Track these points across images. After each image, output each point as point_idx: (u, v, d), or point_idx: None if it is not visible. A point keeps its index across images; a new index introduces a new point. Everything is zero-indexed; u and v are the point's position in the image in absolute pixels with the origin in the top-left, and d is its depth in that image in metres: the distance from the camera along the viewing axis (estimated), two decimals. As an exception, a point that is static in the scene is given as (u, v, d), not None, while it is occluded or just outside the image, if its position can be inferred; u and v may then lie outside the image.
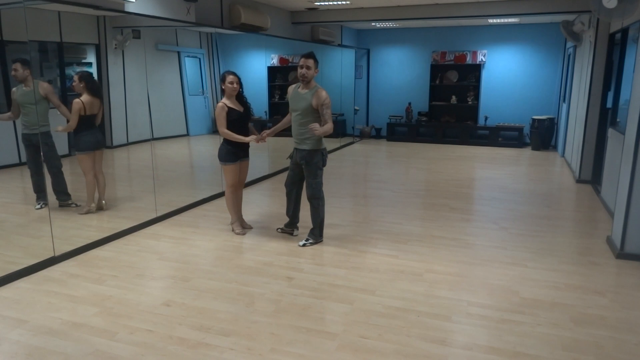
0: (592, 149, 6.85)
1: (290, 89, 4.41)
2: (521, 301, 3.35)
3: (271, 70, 10.05)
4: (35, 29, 5.10)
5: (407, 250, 4.31)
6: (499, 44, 10.58)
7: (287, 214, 4.67)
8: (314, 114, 4.19)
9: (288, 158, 4.53)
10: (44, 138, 4.97)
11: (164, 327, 2.99)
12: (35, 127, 4.92)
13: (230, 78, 4.43)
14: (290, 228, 4.71)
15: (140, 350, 2.74)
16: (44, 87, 5.01)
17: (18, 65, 4.84)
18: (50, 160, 5.10)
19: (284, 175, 7.40)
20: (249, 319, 3.09)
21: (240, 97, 4.55)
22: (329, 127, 4.15)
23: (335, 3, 8.09)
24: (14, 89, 4.95)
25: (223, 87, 4.45)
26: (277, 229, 4.81)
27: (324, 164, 4.35)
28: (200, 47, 8.15)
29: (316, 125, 4.09)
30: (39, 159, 4.98)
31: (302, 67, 4.18)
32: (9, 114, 4.95)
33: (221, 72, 4.60)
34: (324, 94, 4.17)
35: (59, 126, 5.03)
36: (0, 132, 5.61)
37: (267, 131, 4.59)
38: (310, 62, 4.17)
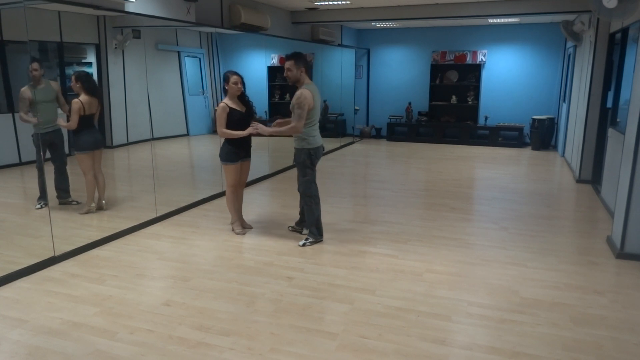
0: (592, 149, 6.85)
1: None
2: (521, 301, 3.35)
3: (271, 70, 10.05)
4: (35, 28, 5.10)
5: (407, 250, 4.31)
6: (499, 44, 10.58)
7: (300, 212, 4.74)
8: None
9: None
10: (57, 135, 5.09)
11: (164, 327, 2.99)
12: (49, 124, 5.00)
13: (234, 78, 4.43)
14: (300, 226, 4.74)
15: (140, 350, 2.74)
16: (56, 86, 5.10)
17: (37, 65, 4.91)
18: (61, 158, 5.22)
19: (284, 175, 7.46)
20: (249, 319, 3.09)
21: (242, 97, 4.55)
22: (290, 127, 4.19)
23: (335, 3, 8.08)
24: (23, 88, 4.93)
25: (227, 88, 4.45)
26: (288, 227, 4.83)
27: (312, 163, 4.37)
28: (200, 47, 8.15)
29: (260, 125, 4.31)
30: (47, 158, 5.07)
31: (285, 71, 4.23)
32: (30, 117, 4.98)
33: (221, 72, 4.59)
34: (298, 92, 4.17)
35: (61, 121, 5.07)
36: (0, 132, 5.62)
37: (280, 120, 4.51)
38: (290, 63, 4.19)
